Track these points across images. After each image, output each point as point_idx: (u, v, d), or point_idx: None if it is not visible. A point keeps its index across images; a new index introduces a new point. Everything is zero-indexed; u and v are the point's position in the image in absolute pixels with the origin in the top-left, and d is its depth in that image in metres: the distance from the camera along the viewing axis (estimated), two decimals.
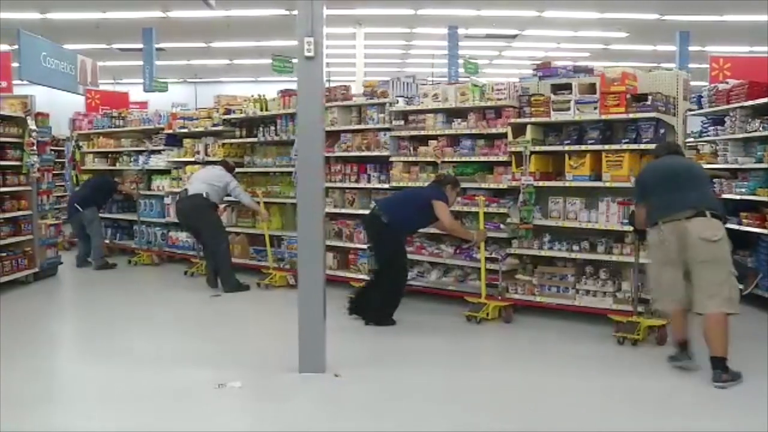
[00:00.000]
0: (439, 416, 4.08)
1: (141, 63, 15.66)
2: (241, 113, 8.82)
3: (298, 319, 4.72)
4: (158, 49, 16.13)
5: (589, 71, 6.81)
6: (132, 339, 5.86)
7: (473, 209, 6.44)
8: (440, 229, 6.49)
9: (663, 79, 6.15)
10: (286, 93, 8.44)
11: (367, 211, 7.50)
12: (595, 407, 4.25)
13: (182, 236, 9.41)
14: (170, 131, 9.62)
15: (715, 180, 7.01)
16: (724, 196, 6.95)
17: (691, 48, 16.06)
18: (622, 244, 5.88)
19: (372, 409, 4.21)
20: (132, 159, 10.31)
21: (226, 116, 8.89)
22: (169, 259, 9.55)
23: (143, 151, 10.07)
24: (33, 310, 7.08)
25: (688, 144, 8.20)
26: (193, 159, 9.23)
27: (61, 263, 8.77)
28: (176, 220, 9.38)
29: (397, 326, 6.06)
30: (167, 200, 9.59)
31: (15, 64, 9.61)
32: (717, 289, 4.49)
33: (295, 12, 4.68)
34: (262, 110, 8.53)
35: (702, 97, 7.86)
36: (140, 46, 15.59)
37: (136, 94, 15.92)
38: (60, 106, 11.60)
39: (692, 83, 14.61)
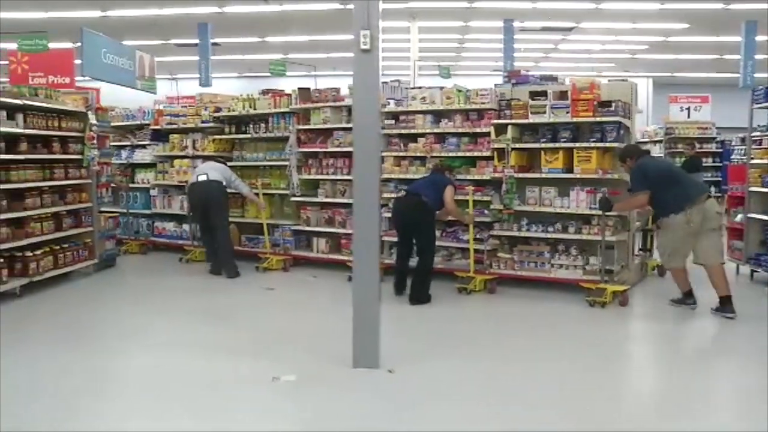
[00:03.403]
0: (489, 415, 4.07)
1: (197, 58, 15.52)
2: (229, 111, 9.49)
3: (353, 315, 4.75)
4: (214, 44, 15.95)
5: (554, 79, 8.06)
6: (188, 329, 5.99)
7: (463, 197, 7.42)
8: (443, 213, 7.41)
9: (619, 88, 7.38)
10: (275, 93, 9.21)
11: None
12: (585, 358, 5.28)
13: (169, 226, 9.98)
14: (156, 127, 10.15)
15: None
16: None
17: (758, 38, 14.75)
18: (589, 226, 7.07)
19: (424, 405, 4.18)
20: (114, 153, 10.71)
21: (216, 113, 9.54)
22: (154, 248, 10.06)
23: (126, 145, 10.53)
24: (93, 300, 7.29)
25: (753, 138, 8.31)
26: (180, 153, 9.81)
27: (119, 254, 9.08)
28: (161, 211, 10.02)
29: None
30: (153, 192, 10.12)
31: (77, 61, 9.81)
32: (719, 249, 6.42)
33: (350, 6, 4.78)
34: (251, 108, 9.25)
35: None
36: (196, 41, 15.47)
37: (191, 88, 15.84)
38: (124, 102, 11.69)
39: (758, 75, 14.24)
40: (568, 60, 21.94)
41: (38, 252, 7.26)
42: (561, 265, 7.20)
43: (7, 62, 9.35)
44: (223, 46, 18.00)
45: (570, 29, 17.34)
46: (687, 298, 6.50)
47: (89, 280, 8.07)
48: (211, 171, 8.37)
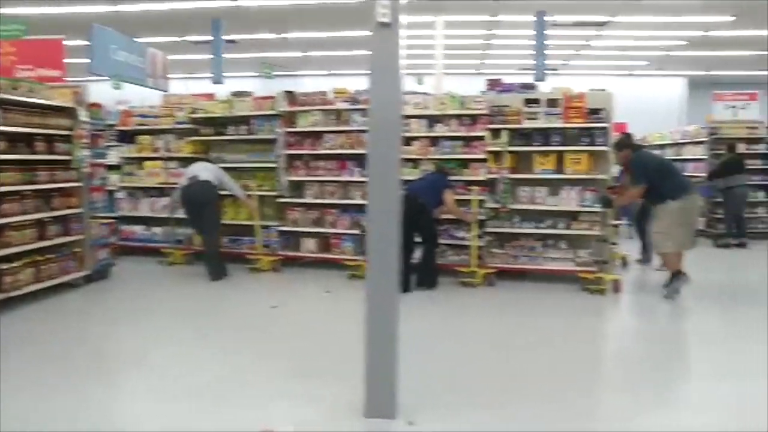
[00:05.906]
0: None
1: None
2: (205, 113, 9.44)
3: (365, 355, 3.88)
4: (230, 41, 15.19)
5: (531, 88, 8.77)
6: (179, 358, 5.17)
7: (461, 197, 7.91)
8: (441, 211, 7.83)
9: (600, 97, 8.15)
10: (258, 96, 9.31)
11: (348, 201, 8.68)
12: (594, 335, 6.08)
13: (138, 229, 9.73)
14: (124, 128, 9.87)
15: None
16: None
17: None
18: (577, 221, 7.79)
19: None
20: None
21: (193, 115, 9.44)
22: (122, 252, 9.71)
23: None
24: (82, 318, 6.59)
25: None
26: (152, 155, 9.64)
27: (114, 264, 8.36)
28: (128, 213, 9.76)
29: (439, 306, 6.95)
30: (119, 195, 9.83)
31: (78, 60, 9.31)
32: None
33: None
34: (233, 110, 9.26)
35: None
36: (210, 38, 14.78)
37: (205, 86, 15.08)
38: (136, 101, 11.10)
39: None
40: (599, 58, 21.10)
41: (17, 264, 6.58)
42: (553, 258, 7.86)
43: None
44: (241, 43, 17.11)
45: (604, 23, 16.25)
46: (676, 275, 7.09)
47: (79, 293, 7.38)
48: (202, 171, 8.32)
